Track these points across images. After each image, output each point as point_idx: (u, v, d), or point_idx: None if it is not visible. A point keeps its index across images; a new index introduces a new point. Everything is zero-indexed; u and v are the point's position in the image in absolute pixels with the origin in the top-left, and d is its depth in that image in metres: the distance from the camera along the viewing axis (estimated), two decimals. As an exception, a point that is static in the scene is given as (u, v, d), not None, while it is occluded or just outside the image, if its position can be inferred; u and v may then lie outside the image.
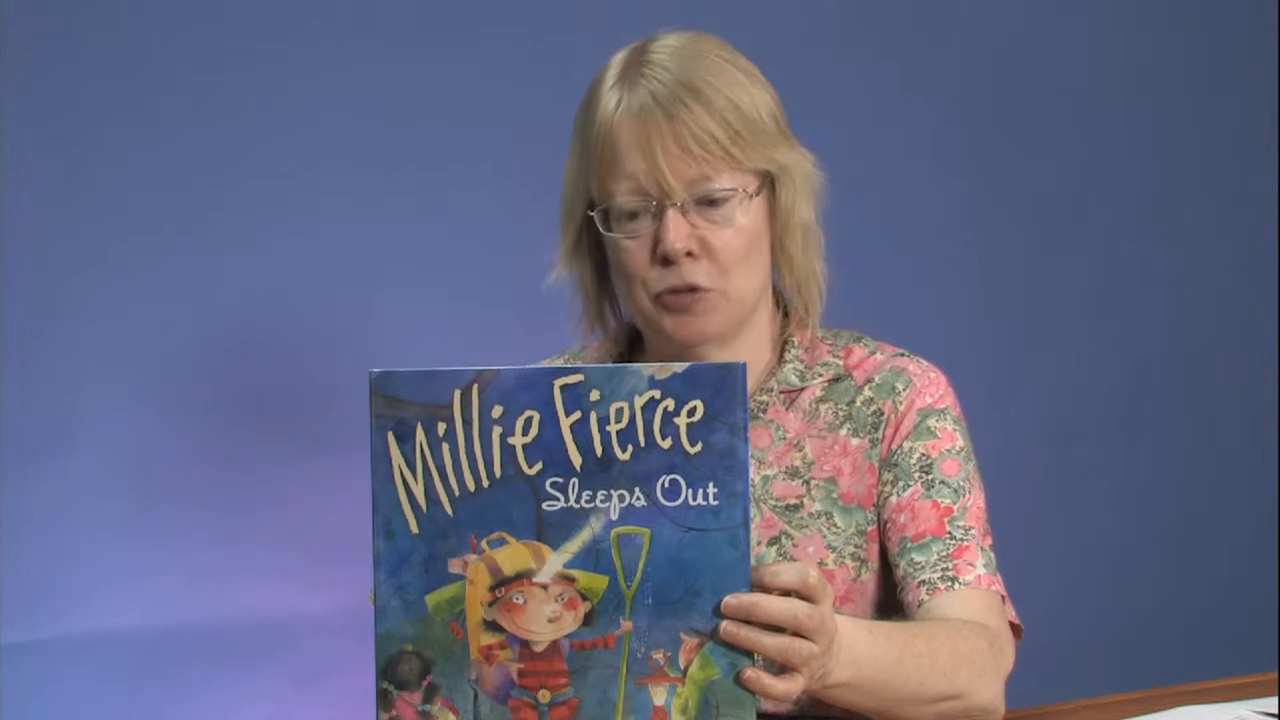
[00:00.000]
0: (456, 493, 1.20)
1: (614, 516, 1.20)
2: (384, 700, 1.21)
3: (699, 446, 1.20)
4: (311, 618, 2.59)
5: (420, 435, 1.20)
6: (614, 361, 1.70)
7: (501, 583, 1.21)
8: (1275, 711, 1.58)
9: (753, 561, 1.21)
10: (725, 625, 1.19)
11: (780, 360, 1.66)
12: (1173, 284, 3.15)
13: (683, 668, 1.20)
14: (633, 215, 1.57)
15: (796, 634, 1.22)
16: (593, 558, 1.20)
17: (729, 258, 1.57)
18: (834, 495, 1.62)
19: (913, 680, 1.41)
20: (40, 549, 2.48)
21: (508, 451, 1.20)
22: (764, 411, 1.65)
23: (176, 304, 2.55)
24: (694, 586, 1.20)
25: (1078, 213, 3.09)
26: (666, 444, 1.20)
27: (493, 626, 1.21)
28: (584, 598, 1.20)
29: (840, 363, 1.66)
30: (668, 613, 1.20)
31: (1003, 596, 1.58)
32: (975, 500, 1.61)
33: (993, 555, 1.59)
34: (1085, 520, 3.10)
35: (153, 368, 2.54)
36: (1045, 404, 3.07)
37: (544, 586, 1.20)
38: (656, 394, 1.20)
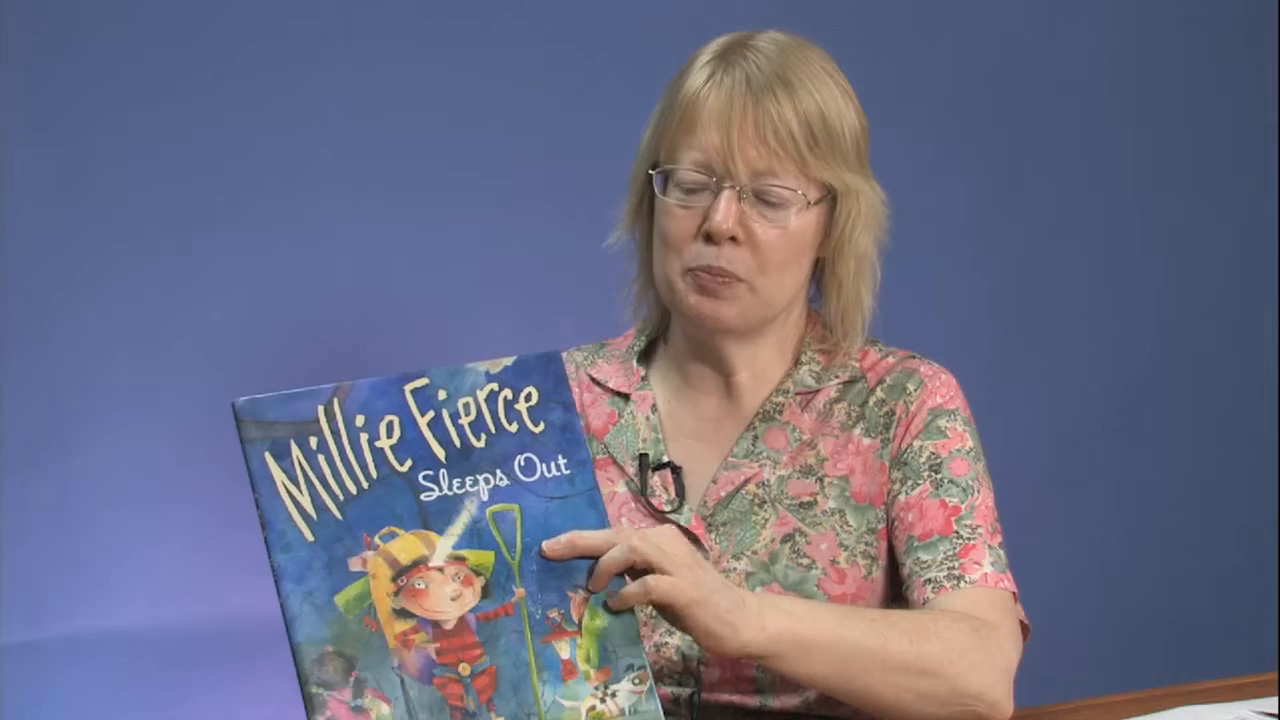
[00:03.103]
0: (341, 497, 1.28)
1: (485, 498, 1.30)
2: (315, 704, 1.27)
3: (541, 426, 1.33)
4: (311, 618, 2.59)
5: (296, 451, 1.27)
6: (639, 355, 1.70)
7: (401, 572, 1.28)
8: (1275, 711, 1.57)
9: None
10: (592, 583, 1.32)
11: (796, 364, 1.66)
12: (1172, 284, 3.15)
13: (576, 621, 1.31)
14: (691, 190, 1.58)
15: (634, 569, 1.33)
16: (476, 537, 1.30)
17: (770, 257, 1.58)
18: (847, 494, 1.63)
19: (870, 641, 1.42)
20: (40, 549, 2.48)
21: (378, 454, 1.29)
22: (779, 414, 1.65)
23: (176, 304, 2.55)
24: None
25: (1077, 214, 3.09)
26: (514, 428, 1.32)
27: (403, 614, 1.28)
28: (477, 573, 1.29)
29: (856, 364, 1.67)
30: (552, 574, 1.31)
31: (1014, 594, 1.58)
32: (984, 499, 1.61)
33: (1002, 553, 1.59)
34: (1085, 520, 3.10)
35: (153, 367, 2.54)
36: (1045, 404, 3.07)
37: (440, 569, 1.29)
38: (495, 386, 1.32)
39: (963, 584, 1.55)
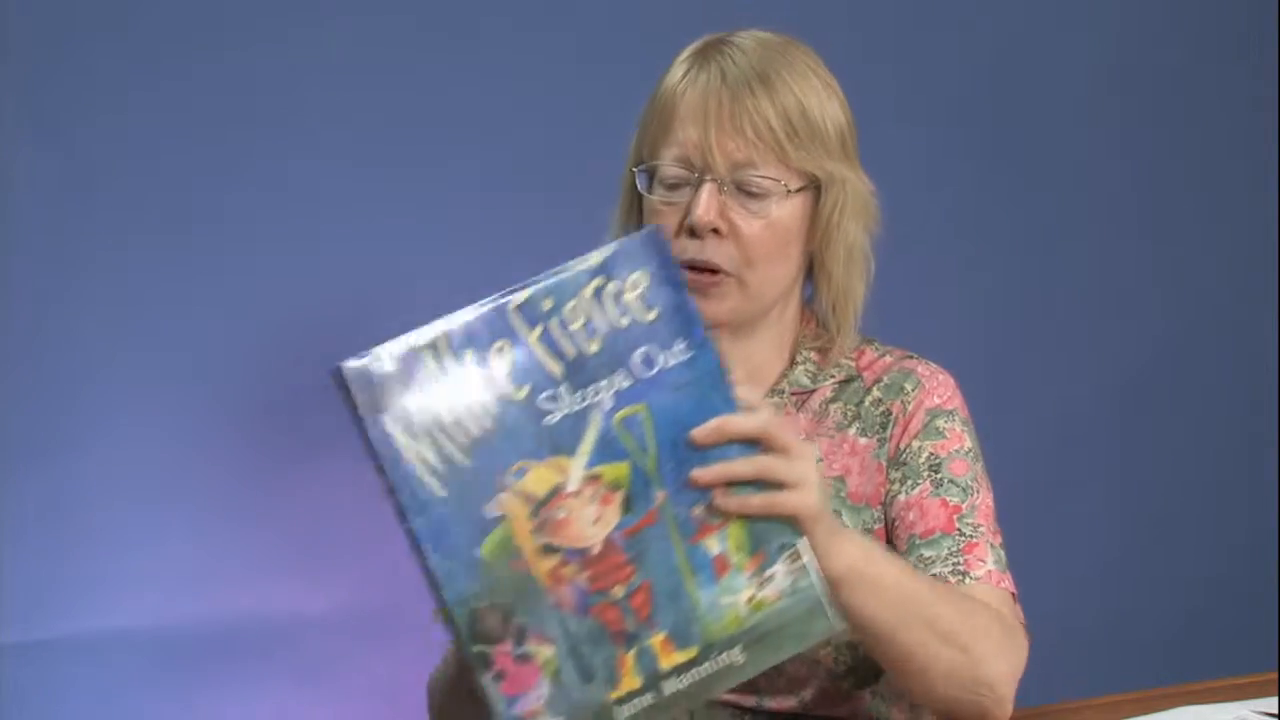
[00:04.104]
0: (465, 442, 1.21)
1: (610, 405, 1.23)
2: (481, 661, 1.20)
3: (654, 312, 1.25)
4: (311, 618, 2.59)
5: (411, 405, 1.20)
6: None
7: (539, 506, 1.22)
8: (1275, 711, 1.58)
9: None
10: (716, 496, 1.25)
11: (791, 363, 1.66)
12: (1171, 284, 3.15)
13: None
14: (673, 186, 1.58)
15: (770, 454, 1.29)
16: (607, 449, 1.23)
17: (755, 248, 1.57)
18: (842, 494, 1.62)
19: (924, 598, 1.42)
20: (40, 549, 2.49)
21: (493, 386, 1.22)
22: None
23: (176, 303, 2.55)
24: None
25: (1076, 214, 3.09)
26: (625, 322, 1.24)
27: (548, 549, 1.22)
28: (615, 488, 1.23)
29: (852, 364, 1.67)
30: (689, 469, 1.24)
31: (1013, 595, 1.58)
32: (984, 499, 1.61)
33: (1003, 553, 1.59)
34: (1085, 520, 3.10)
35: (153, 367, 2.54)
36: (1044, 404, 3.07)
37: (576, 493, 1.22)
38: (600, 281, 1.24)
39: (967, 580, 1.55)
